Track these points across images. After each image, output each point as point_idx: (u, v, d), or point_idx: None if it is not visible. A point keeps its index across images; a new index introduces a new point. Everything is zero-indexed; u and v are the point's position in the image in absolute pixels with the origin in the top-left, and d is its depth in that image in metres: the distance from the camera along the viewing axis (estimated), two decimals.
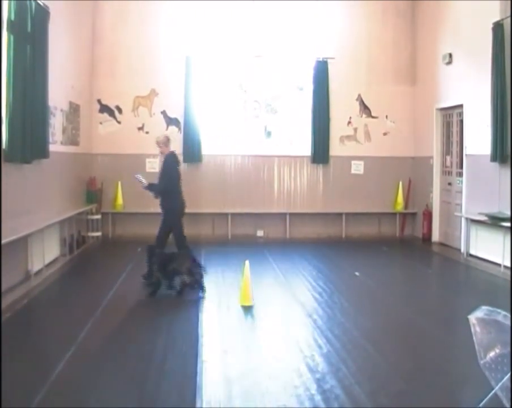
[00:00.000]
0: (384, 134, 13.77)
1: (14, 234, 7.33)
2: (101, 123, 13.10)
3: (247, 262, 7.51)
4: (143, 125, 13.17)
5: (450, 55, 11.82)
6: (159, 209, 13.35)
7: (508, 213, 9.28)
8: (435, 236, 12.72)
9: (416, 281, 9.53)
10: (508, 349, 3.92)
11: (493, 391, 4.01)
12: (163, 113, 13.19)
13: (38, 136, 8.70)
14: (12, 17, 7.75)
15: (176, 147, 13.07)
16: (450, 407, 4.58)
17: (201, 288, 7.90)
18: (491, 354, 4.03)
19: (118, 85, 13.00)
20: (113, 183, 12.97)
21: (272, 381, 4.96)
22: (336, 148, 13.59)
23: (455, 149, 12.07)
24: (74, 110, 11.44)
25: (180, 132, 13.16)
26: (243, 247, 11.75)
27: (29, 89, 8.23)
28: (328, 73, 13.35)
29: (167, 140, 8.62)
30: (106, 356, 5.58)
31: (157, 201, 13.40)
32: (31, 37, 8.33)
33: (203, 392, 4.67)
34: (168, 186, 8.43)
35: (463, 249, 11.11)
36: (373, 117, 13.72)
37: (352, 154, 13.67)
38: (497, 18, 9.90)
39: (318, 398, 4.59)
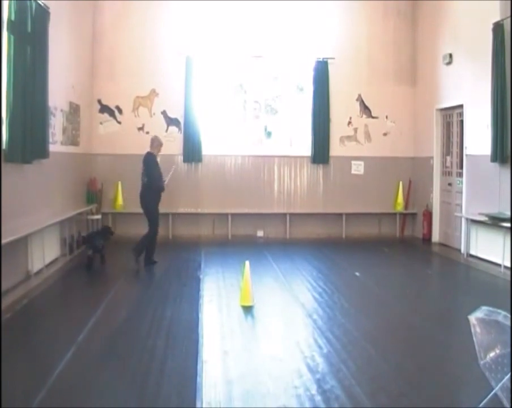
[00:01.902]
0: (384, 134, 13.77)
1: (14, 235, 7.34)
2: (101, 123, 13.10)
3: (247, 262, 7.50)
4: (143, 125, 13.17)
5: (450, 55, 11.82)
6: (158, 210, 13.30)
7: (508, 213, 9.28)
8: (435, 236, 12.72)
9: (416, 281, 9.53)
10: (508, 349, 3.93)
11: (493, 392, 4.01)
12: (164, 113, 13.20)
13: (38, 137, 8.70)
14: (12, 17, 7.75)
15: (177, 147, 13.17)
16: (450, 407, 4.58)
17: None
18: (491, 354, 4.03)
19: (118, 85, 13.00)
20: (113, 184, 12.98)
21: (272, 381, 4.96)
22: (336, 148, 13.59)
23: (455, 149, 12.08)
24: (74, 110, 11.44)
25: (181, 133, 13.17)
26: (243, 248, 11.75)
27: (29, 89, 8.23)
28: (328, 73, 13.36)
29: (150, 141, 10.11)
30: (106, 356, 5.58)
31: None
32: (31, 37, 8.33)
33: (203, 393, 4.66)
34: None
35: (463, 249, 11.11)
36: (373, 117, 13.72)
37: (352, 155, 13.67)
38: (497, 18, 9.90)
39: (318, 398, 4.59)
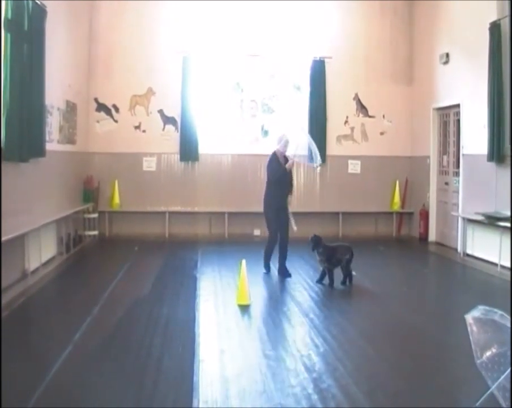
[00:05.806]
0: (381, 133, 13.79)
1: (11, 233, 7.32)
2: (98, 121, 13.08)
3: (243, 261, 7.51)
4: (140, 124, 13.16)
5: (447, 54, 11.84)
6: (155, 208, 13.51)
7: (505, 212, 9.30)
8: (432, 236, 12.74)
9: (413, 280, 9.54)
10: (505, 348, 3.94)
11: (490, 391, 4.03)
12: (160, 111, 13.19)
13: (35, 135, 8.68)
14: (9, 16, 7.73)
15: (174, 146, 13.16)
16: (447, 406, 4.59)
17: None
18: (488, 353, 4.05)
19: (115, 84, 12.98)
20: (110, 182, 12.98)
21: (268, 380, 4.96)
22: (333, 148, 13.59)
23: (451, 148, 12.09)
24: (71, 108, 11.42)
25: (177, 131, 13.16)
26: (240, 246, 11.74)
27: (26, 87, 8.21)
28: (325, 72, 13.36)
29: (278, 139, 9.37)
30: (103, 355, 5.57)
31: (152, 201, 13.45)
32: (28, 35, 8.31)
33: (199, 392, 4.66)
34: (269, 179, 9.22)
35: (459, 249, 11.13)
36: (370, 117, 13.73)
37: (349, 154, 13.68)
38: (494, 18, 9.92)
39: (314, 397, 4.59)
